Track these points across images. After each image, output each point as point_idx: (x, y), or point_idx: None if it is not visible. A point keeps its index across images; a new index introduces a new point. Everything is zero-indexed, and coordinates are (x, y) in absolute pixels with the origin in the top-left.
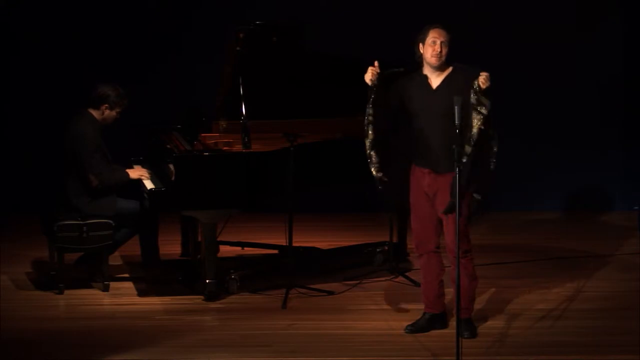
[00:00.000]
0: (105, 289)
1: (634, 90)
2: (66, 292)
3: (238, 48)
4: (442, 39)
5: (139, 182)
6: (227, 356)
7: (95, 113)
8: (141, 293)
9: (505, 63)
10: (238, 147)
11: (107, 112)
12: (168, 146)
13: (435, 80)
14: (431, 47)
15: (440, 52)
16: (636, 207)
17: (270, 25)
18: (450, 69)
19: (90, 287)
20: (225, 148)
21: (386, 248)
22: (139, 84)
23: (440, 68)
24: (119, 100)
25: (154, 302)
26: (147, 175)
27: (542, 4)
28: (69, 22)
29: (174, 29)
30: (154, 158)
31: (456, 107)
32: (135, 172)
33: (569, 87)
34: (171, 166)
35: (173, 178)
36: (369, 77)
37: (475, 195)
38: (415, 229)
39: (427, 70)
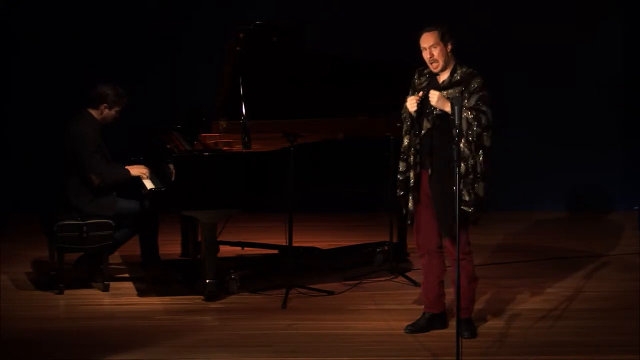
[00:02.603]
0: (105, 289)
1: (634, 90)
2: (66, 292)
3: (238, 48)
4: (430, 43)
5: (139, 182)
6: (227, 356)
7: (94, 113)
8: (141, 293)
9: (505, 63)
10: (238, 147)
11: (106, 111)
12: (168, 146)
13: (442, 77)
14: (424, 54)
15: (432, 57)
16: (636, 207)
17: (270, 25)
18: (453, 65)
19: (90, 287)
20: (225, 148)
21: (386, 248)
22: (139, 84)
23: (443, 67)
24: (118, 99)
25: (154, 302)
26: (147, 172)
27: (542, 4)
28: (69, 22)
29: (174, 29)
30: (154, 158)
31: (455, 107)
32: (135, 170)
33: (569, 87)
34: (171, 166)
35: (173, 178)
36: (414, 108)
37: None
38: (417, 228)
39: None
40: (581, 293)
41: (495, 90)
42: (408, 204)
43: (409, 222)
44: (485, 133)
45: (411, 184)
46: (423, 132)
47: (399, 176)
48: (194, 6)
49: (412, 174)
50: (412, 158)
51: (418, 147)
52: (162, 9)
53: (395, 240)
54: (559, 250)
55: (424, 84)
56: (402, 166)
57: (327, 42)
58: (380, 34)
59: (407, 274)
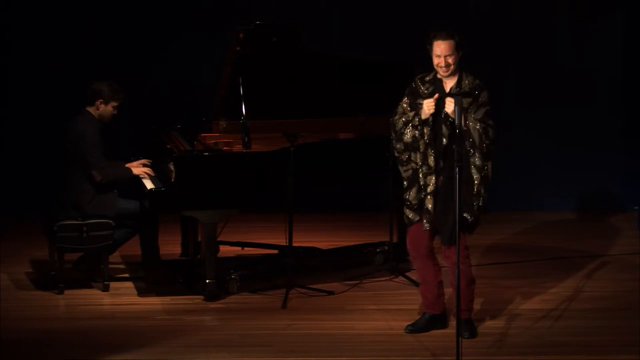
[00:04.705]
0: (105, 289)
1: (635, 90)
2: (66, 292)
3: (238, 48)
4: (447, 53)
5: (139, 182)
6: (227, 356)
7: (91, 110)
8: (141, 293)
9: (505, 63)
10: (238, 147)
11: (102, 107)
12: (168, 146)
13: (449, 83)
14: (436, 60)
15: (447, 66)
16: (636, 207)
17: (270, 25)
18: (459, 74)
19: (90, 287)
20: (225, 148)
21: (386, 248)
22: (139, 84)
23: (452, 74)
24: (113, 94)
25: (154, 302)
26: (149, 171)
27: (542, 4)
28: (69, 22)
29: (174, 29)
30: (154, 158)
31: (456, 107)
32: (137, 168)
33: (569, 87)
34: (171, 166)
35: (173, 178)
36: (432, 110)
37: (465, 215)
38: (410, 231)
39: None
40: (581, 293)
41: (496, 90)
42: (424, 210)
43: (427, 227)
44: (492, 146)
45: (429, 190)
46: (445, 139)
47: (421, 182)
48: (194, 6)
49: (435, 179)
50: (429, 162)
51: (435, 150)
52: (162, 9)
53: (395, 240)
54: (559, 250)
55: (430, 89)
56: (425, 169)
57: (327, 42)
58: (380, 34)
59: (407, 274)
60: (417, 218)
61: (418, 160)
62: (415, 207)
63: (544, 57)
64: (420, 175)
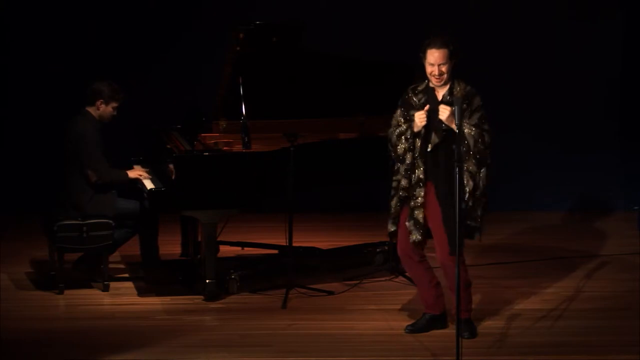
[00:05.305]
0: (105, 289)
1: (634, 90)
2: (66, 292)
3: (238, 48)
4: (440, 62)
5: (138, 182)
6: (227, 356)
7: (91, 110)
8: (141, 293)
9: (503, 64)
10: (238, 147)
11: (102, 107)
12: (168, 146)
13: (441, 92)
14: (430, 68)
15: (440, 75)
16: (636, 207)
17: (270, 25)
18: (451, 82)
19: (90, 287)
20: (225, 148)
21: (386, 248)
22: (139, 84)
23: (445, 82)
24: (113, 94)
25: (154, 302)
26: (146, 174)
27: (541, 5)
28: (69, 22)
29: (174, 29)
30: (154, 158)
31: (456, 107)
32: (134, 172)
33: (569, 88)
34: (171, 166)
35: (173, 178)
36: (424, 122)
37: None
38: (399, 241)
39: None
40: (581, 293)
41: (495, 92)
42: (414, 222)
43: (419, 238)
44: (487, 151)
45: (419, 203)
46: (430, 146)
47: (400, 193)
48: (194, 6)
49: (422, 191)
50: (418, 173)
51: (424, 160)
52: (162, 9)
53: (395, 240)
54: (559, 250)
55: (422, 100)
56: (404, 182)
57: (327, 42)
58: (380, 34)
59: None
60: (394, 228)
61: (403, 171)
62: (393, 219)
63: (542, 58)
64: (401, 188)
